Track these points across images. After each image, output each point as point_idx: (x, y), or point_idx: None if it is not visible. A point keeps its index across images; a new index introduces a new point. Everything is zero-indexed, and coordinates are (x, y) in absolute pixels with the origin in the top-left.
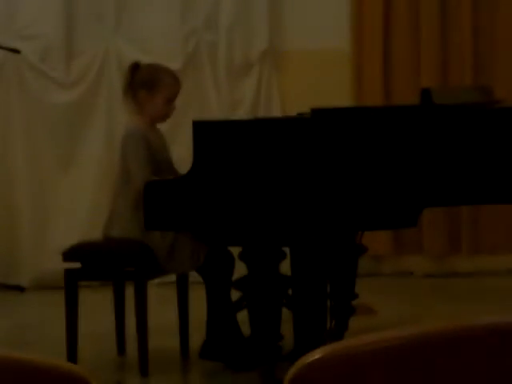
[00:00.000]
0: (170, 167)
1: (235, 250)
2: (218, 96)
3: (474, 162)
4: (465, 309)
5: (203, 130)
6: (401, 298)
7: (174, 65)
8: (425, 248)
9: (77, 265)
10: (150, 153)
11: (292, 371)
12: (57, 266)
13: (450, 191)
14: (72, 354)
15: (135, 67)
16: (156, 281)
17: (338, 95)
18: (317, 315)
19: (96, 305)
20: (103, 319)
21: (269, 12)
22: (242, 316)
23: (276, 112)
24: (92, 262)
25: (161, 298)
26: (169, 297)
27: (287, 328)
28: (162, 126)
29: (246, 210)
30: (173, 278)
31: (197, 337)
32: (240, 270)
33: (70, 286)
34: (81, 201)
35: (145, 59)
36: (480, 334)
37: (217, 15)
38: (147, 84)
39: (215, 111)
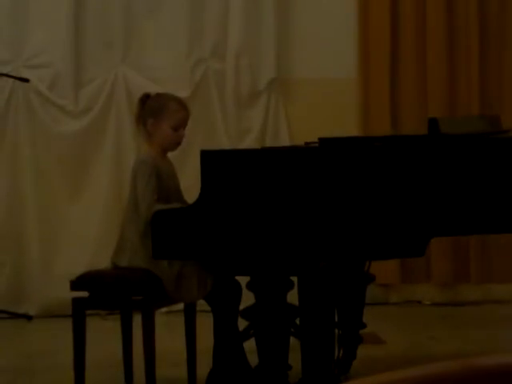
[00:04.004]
0: (178, 196)
1: (243, 280)
2: (226, 124)
3: (482, 192)
4: (473, 338)
5: (211, 160)
6: (409, 326)
7: (182, 93)
8: (433, 276)
9: (85, 293)
10: (159, 181)
11: None
12: (65, 294)
13: (457, 221)
14: (79, 383)
15: (145, 98)
16: (164, 309)
17: (346, 124)
18: (324, 344)
19: (104, 333)
20: (111, 347)
21: (276, 40)
22: (250, 345)
23: (284, 140)
24: (99, 291)
25: (168, 326)
26: (176, 325)
27: (295, 357)
28: (170, 154)
29: (253, 240)
30: (180, 306)
31: (204, 365)
32: (248, 299)
33: (78, 314)
34: (89, 229)
35: (153, 87)
36: (490, 375)
37: (224, 44)
38: (154, 112)
39: (223, 140)
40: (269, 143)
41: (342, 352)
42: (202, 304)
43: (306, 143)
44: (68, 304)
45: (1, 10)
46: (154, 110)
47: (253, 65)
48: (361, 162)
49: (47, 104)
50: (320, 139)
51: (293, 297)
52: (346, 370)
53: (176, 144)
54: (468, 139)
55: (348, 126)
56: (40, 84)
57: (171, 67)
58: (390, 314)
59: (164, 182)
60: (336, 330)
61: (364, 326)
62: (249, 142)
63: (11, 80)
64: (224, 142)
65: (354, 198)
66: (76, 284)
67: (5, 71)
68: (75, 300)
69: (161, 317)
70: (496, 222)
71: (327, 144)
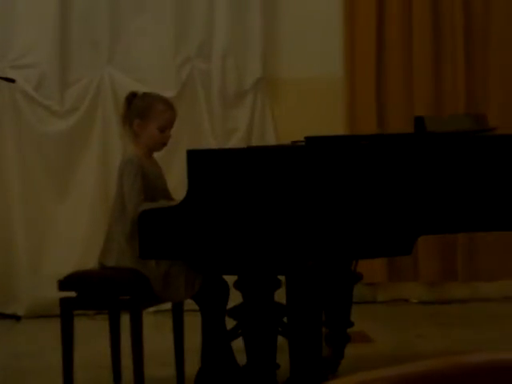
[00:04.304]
0: (165, 196)
1: (230, 279)
2: (212, 124)
3: (469, 190)
4: (460, 336)
5: (197, 159)
6: (396, 325)
7: (168, 93)
8: (420, 275)
9: (72, 293)
10: (145, 181)
11: None
12: (53, 294)
13: (444, 219)
14: (68, 383)
15: (131, 97)
16: (151, 308)
17: (332, 123)
18: (312, 343)
19: (92, 333)
20: (99, 347)
21: (262, 40)
22: (238, 344)
23: (270, 139)
24: (87, 291)
25: (156, 325)
26: (164, 324)
27: (283, 356)
28: (156, 154)
29: (240, 239)
30: (168, 305)
31: (192, 364)
32: (235, 298)
33: (66, 314)
34: (76, 229)
35: (139, 88)
36: (476, 372)
37: (210, 43)
38: (141, 113)
39: (209, 139)
40: (255, 143)
41: (329, 351)
42: (189, 303)
43: (293, 142)
44: (56, 304)
45: None
46: (140, 111)
47: (239, 64)
48: (347, 160)
49: (33, 104)
50: (306, 138)
51: (280, 296)
52: (334, 368)
53: (162, 144)
54: (454, 137)
55: (334, 125)
56: (26, 84)
57: (157, 67)
58: (378, 312)
59: (150, 182)
60: (323, 329)
61: (352, 324)
62: (235, 142)
63: None
64: (210, 142)
65: (340, 196)
66: (64, 284)
67: None
68: (63, 300)
69: (149, 316)
70: (483, 219)
71: (314, 143)
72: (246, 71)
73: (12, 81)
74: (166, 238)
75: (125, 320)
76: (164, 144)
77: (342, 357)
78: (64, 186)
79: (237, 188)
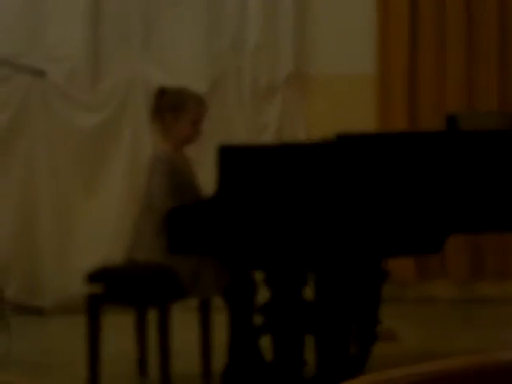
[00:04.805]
0: (195, 192)
1: (259, 276)
2: (244, 120)
3: (500, 189)
4: (489, 335)
5: (228, 155)
6: (425, 323)
7: (200, 88)
8: (449, 273)
9: (100, 288)
10: (174, 176)
11: None
12: (80, 289)
13: (475, 218)
14: (93, 377)
15: (161, 92)
16: (179, 305)
17: (363, 120)
18: (340, 341)
19: (118, 327)
20: (125, 342)
21: (294, 36)
22: (265, 341)
23: (301, 136)
24: (115, 286)
25: (183, 321)
26: (191, 321)
27: (310, 353)
28: (187, 150)
29: (270, 235)
30: (195, 302)
31: (219, 361)
32: (264, 295)
33: (93, 310)
34: (104, 224)
35: (171, 82)
36: (507, 370)
37: (242, 39)
38: (172, 108)
39: (240, 135)
40: (286, 138)
41: (357, 349)
42: (217, 300)
43: (324, 139)
44: (83, 299)
45: (19, 2)
46: (172, 105)
47: (271, 60)
48: (379, 157)
49: (64, 98)
50: (338, 135)
51: (308, 293)
52: (362, 366)
53: (193, 139)
54: (486, 136)
55: (366, 123)
56: (57, 78)
57: (189, 62)
58: (406, 311)
59: (180, 177)
60: (352, 327)
61: (380, 322)
62: (266, 138)
63: (28, 74)
64: (242, 137)
65: (371, 194)
66: (91, 278)
67: (22, 64)
68: (90, 296)
69: (176, 312)
70: None
71: (345, 140)
72: (277, 67)
73: (43, 74)
74: (196, 233)
75: (152, 316)
76: (196, 138)
77: (369, 355)
78: (93, 180)
79: (267, 184)
